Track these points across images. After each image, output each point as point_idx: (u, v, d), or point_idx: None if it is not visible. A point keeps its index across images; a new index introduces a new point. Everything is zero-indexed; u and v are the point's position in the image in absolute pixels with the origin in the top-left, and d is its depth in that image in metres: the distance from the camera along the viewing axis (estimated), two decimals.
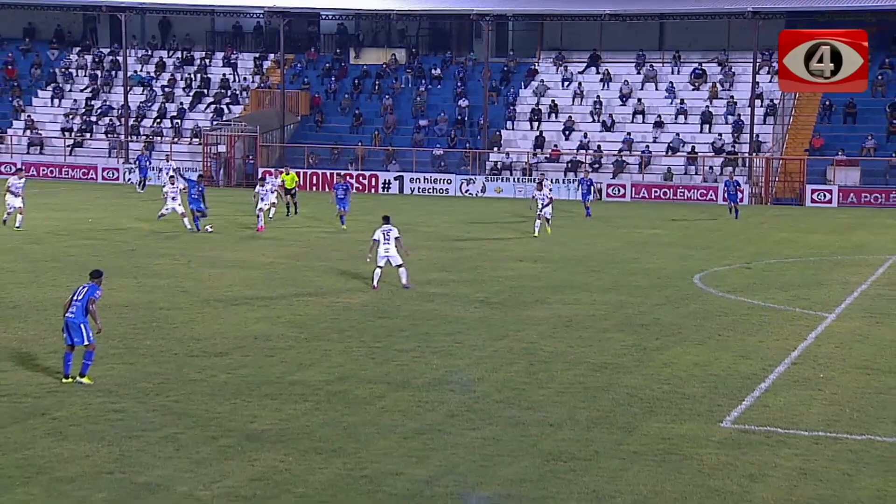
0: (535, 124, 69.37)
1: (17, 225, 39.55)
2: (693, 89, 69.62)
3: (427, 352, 21.81)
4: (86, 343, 18.83)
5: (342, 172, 58.40)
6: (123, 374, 19.64)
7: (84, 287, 19.12)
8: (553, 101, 70.21)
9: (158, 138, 71.90)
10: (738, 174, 60.98)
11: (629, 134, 67.17)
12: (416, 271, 32.62)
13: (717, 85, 69.20)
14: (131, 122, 72.76)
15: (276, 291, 28.61)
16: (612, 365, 20.97)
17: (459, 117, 70.83)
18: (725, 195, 52.39)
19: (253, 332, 23.33)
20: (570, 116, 69.16)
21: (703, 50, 70.96)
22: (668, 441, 16.21)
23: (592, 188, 52.72)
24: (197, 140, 70.52)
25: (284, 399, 18.19)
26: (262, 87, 74.98)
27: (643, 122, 68.23)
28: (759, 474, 14.84)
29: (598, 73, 71.54)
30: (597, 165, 65.76)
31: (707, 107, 67.93)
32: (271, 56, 76.06)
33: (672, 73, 70.95)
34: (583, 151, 66.84)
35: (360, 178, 66.37)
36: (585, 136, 67.79)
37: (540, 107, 69.95)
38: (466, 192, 64.53)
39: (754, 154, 64.63)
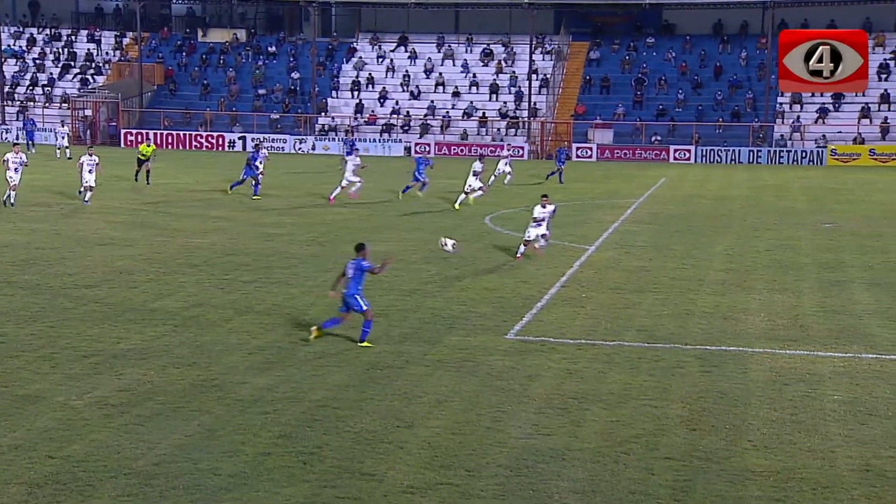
0: (356, 94, 68.90)
1: (12, 202, 32.29)
2: (483, 65, 70.16)
3: (267, 283, 21.54)
4: (363, 310, 16.65)
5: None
6: (4, 304, 18.80)
7: (352, 264, 16.62)
8: (370, 74, 69.81)
9: (31, 103, 68.78)
10: (519, 135, 61.80)
11: (432, 101, 67.36)
12: (259, 215, 32.12)
13: (502, 62, 69.90)
14: (6, 89, 69.32)
15: (137, 233, 27.76)
16: (419, 290, 21.09)
17: (292, 87, 69.78)
18: (556, 160, 47.15)
19: (118, 268, 22.61)
20: (384, 87, 68.90)
21: (491, 33, 71.58)
22: (464, 351, 16.44)
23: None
24: (66, 105, 67.77)
25: (146, 323, 17.73)
26: (122, 60, 72.33)
27: (443, 92, 68.48)
28: (536, 374, 15.19)
29: (406, 51, 71.36)
30: (406, 128, 65.83)
31: (494, 80, 68.61)
32: (129, 34, 73.30)
33: (466, 52, 71.33)
34: (395, 116, 66.77)
35: (209, 139, 64.76)
36: (397, 103, 67.73)
37: (359, 79, 69.48)
38: (299, 149, 63.77)
39: (532, 118, 65.74)
